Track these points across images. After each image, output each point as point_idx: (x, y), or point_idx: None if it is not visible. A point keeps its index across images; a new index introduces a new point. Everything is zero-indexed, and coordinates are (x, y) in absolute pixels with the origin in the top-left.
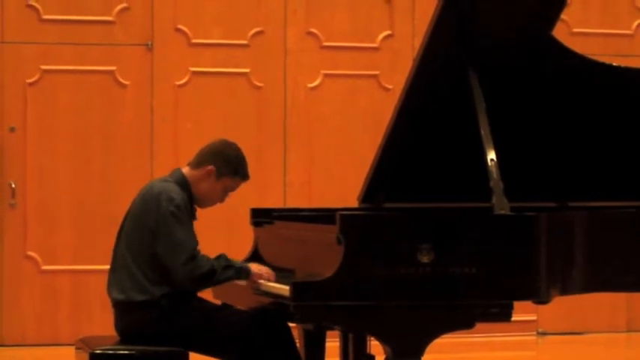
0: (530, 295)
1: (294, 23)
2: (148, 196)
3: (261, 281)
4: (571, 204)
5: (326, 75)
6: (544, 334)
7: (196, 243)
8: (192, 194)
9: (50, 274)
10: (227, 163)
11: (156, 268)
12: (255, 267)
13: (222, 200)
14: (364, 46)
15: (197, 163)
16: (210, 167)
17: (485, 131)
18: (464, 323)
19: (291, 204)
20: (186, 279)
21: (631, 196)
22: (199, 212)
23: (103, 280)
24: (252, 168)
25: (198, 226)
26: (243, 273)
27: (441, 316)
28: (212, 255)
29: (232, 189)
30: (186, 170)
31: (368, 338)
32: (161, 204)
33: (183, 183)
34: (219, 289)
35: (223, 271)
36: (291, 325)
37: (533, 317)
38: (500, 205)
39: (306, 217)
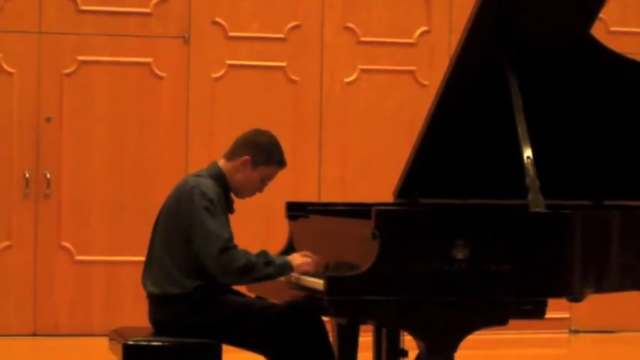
0: (564, 292)
1: (332, 18)
2: (181, 192)
3: (303, 277)
4: (606, 203)
5: (362, 70)
6: (576, 332)
7: (231, 235)
8: (228, 187)
9: (84, 264)
10: (262, 152)
11: (190, 263)
12: (297, 260)
13: (260, 190)
14: (401, 41)
15: (232, 154)
16: (246, 157)
17: (522, 129)
18: (498, 320)
19: (326, 199)
20: (221, 272)
21: None
22: (237, 205)
23: (137, 271)
24: (287, 162)
25: (234, 219)
26: (285, 269)
27: (475, 312)
28: (252, 250)
29: (270, 177)
30: (222, 163)
31: (401, 333)
32: (194, 199)
33: (219, 176)
34: None
35: (264, 267)
36: (324, 319)
37: (566, 315)
38: (536, 202)
39: (342, 212)
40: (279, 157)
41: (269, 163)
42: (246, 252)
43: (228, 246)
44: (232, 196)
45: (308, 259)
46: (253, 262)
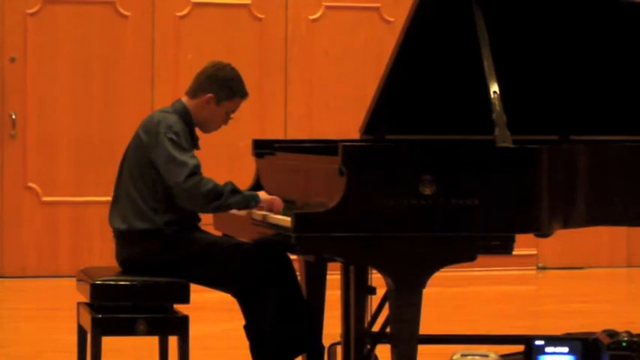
0: (532, 227)
1: None
2: (147, 127)
3: (266, 213)
4: (573, 137)
5: (327, 7)
6: (544, 268)
7: (198, 163)
8: (193, 123)
9: (51, 205)
10: (224, 88)
11: (158, 198)
12: (264, 195)
13: (225, 123)
14: None
15: (194, 91)
16: (209, 95)
17: (488, 64)
18: (466, 256)
19: (292, 136)
20: (187, 196)
21: (634, 130)
22: (201, 143)
23: (104, 211)
24: (252, 100)
25: (199, 157)
26: (252, 201)
27: (442, 248)
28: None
29: (234, 110)
30: (185, 100)
31: (369, 270)
32: (160, 131)
33: (183, 113)
34: (220, 220)
35: (230, 195)
36: (292, 257)
37: (533, 252)
38: (503, 137)
39: (308, 149)
40: (241, 90)
41: (232, 98)
42: (213, 180)
43: (195, 172)
44: (197, 133)
45: (277, 202)
46: (220, 189)
